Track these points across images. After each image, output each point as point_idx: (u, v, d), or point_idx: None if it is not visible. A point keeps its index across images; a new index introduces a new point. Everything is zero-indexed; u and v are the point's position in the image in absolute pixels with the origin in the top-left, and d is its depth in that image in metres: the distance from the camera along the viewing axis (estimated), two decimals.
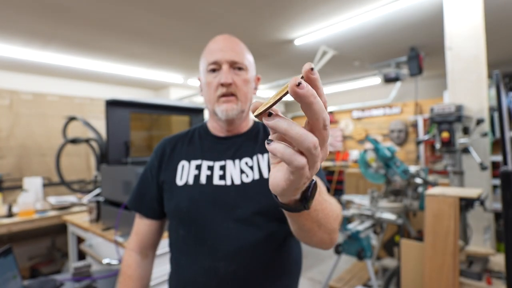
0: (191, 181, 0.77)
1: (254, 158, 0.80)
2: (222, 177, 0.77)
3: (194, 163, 0.80)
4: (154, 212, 0.83)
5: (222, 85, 0.75)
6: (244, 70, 0.78)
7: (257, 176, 0.77)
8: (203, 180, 0.77)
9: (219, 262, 0.70)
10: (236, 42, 0.79)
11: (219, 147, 0.82)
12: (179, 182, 0.78)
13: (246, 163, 0.79)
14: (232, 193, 0.75)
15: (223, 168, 0.78)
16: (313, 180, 0.40)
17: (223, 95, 0.76)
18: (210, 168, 0.78)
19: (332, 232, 0.59)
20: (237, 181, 0.76)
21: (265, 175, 0.78)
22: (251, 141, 0.84)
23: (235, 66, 0.76)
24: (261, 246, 0.70)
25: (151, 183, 0.83)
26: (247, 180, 0.77)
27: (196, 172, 0.78)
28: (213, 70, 0.76)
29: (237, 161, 0.79)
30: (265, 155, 0.81)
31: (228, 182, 0.76)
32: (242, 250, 0.70)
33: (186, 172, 0.79)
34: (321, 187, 0.57)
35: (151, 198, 0.83)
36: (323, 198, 0.54)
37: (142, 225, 0.85)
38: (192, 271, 0.73)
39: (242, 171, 0.78)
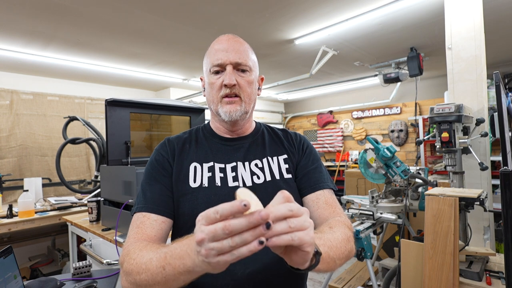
0: (206, 183, 0.76)
1: (264, 160, 0.81)
2: (235, 178, 0.77)
3: (206, 165, 0.79)
4: (170, 209, 0.76)
5: (226, 86, 0.74)
6: (248, 71, 0.77)
7: (269, 178, 0.78)
8: (218, 182, 0.76)
9: (235, 265, 0.69)
10: (240, 42, 0.78)
11: (227, 148, 0.82)
12: (193, 184, 0.76)
13: (256, 165, 0.80)
14: None
15: (234, 169, 0.78)
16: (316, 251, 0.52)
17: (226, 96, 0.76)
18: (223, 170, 0.78)
19: (346, 258, 0.66)
20: (249, 183, 0.77)
21: (277, 176, 0.79)
22: (259, 143, 0.85)
23: (239, 67, 0.76)
24: None
25: (165, 181, 0.78)
26: (258, 181, 0.77)
27: (210, 174, 0.77)
28: (217, 72, 0.76)
29: (247, 163, 0.80)
30: (275, 158, 0.83)
31: (241, 184, 0.76)
32: (258, 252, 0.70)
33: (199, 174, 0.77)
34: (326, 241, 0.61)
35: (168, 196, 0.77)
36: (329, 256, 0.60)
37: (155, 224, 0.72)
38: (207, 275, 0.72)
39: (253, 173, 0.78)
